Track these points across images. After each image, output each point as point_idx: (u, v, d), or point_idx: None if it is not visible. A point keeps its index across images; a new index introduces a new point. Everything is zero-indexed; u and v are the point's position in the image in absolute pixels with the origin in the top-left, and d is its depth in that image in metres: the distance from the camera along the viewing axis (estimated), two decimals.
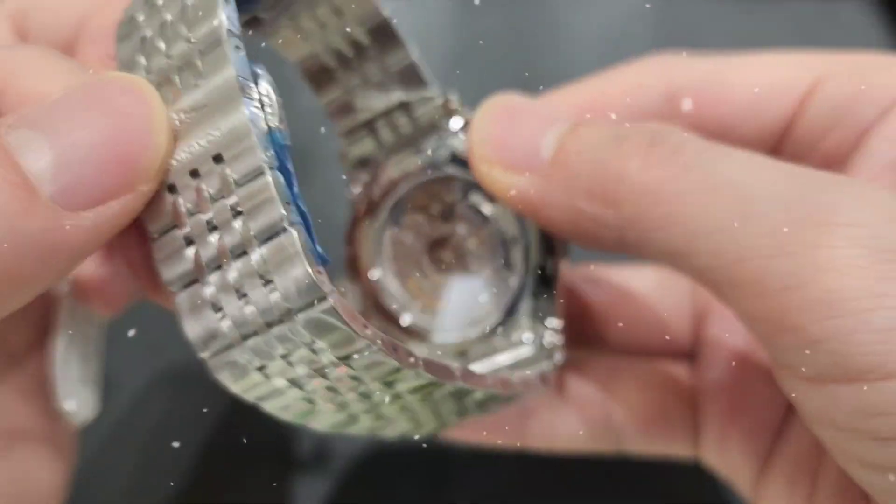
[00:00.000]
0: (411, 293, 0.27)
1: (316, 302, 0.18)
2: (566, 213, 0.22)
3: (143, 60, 0.20)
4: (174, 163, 0.19)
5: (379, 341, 0.19)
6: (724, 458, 0.28)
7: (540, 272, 0.26)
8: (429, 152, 0.27)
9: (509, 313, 0.27)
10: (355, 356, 0.19)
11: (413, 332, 0.27)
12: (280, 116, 0.19)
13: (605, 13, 0.56)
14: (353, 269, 0.28)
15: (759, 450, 0.26)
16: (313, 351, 0.19)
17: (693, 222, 0.20)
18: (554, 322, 0.26)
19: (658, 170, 0.21)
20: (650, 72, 0.27)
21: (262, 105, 0.19)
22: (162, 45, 0.19)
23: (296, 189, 0.19)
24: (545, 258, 0.26)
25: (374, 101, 0.27)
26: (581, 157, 0.22)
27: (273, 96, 0.19)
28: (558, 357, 0.26)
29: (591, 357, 0.30)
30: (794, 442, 0.25)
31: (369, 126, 0.28)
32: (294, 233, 0.18)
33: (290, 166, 0.19)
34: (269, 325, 0.18)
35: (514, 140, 0.24)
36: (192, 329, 0.19)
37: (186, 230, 0.19)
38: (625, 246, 0.22)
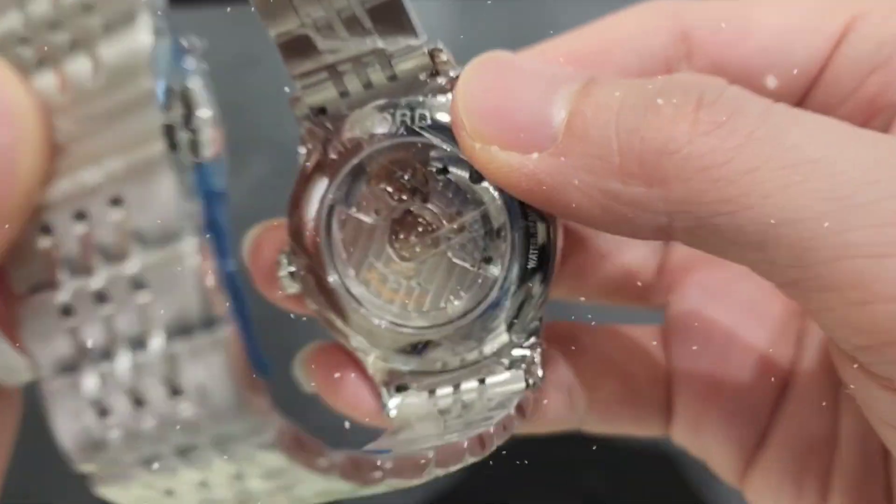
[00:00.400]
0: (363, 279, 0.23)
1: (251, 434, 0.13)
2: (593, 197, 0.18)
3: (19, 27, 0.14)
4: (54, 193, 0.13)
5: (337, 471, 0.15)
6: (700, 443, 0.26)
7: (527, 271, 0.22)
8: (404, 112, 0.22)
9: (483, 317, 0.22)
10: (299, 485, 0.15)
11: (358, 324, 0.23)
12: (212, 139, 0.14)
13: (604, 13, 0.56)
14: (297, 240, 0.22)
15: (743, 439, 0.25)
16: (238, 477, 0.14)
17: (773, 207, 0.16)
18: (534, 338, 0.22)
19: (716, 139, 0.17)
20: (658, 13, 0.23)
21: (188, 121, 0.14)
22: (48, 8, 0.14)
23: (230, 263, 0.14)
24: (535, 256, 0.22)
25: (343, 43, 0.21)
26: (606, 124, 0.18)
27: (206, 108, 0.14)
28: (537, 379, 0.22)
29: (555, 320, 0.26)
30: (786, 434, 0.24)
31: (332, 71, 0.22)
32: (222, 331, 0.13)
33: (224, 219, 0.14)
34: (181, 451, 0.13)
35: (515, 110, 0.19)
36: (67, 430, 0.14)
37: (64, 296, 0.13)
38: (672, 233, 0.18)
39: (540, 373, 0.22)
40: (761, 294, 0.26)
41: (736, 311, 0.26)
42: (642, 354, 0.27)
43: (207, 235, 0.13)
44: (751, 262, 0.18)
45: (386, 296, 0.23)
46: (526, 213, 0.21)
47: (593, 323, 0.27)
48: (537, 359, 0.22)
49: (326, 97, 0.22)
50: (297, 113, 0.23)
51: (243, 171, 0.47)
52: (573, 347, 0.26)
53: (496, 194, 0.21)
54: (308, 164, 0.22)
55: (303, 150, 0.23)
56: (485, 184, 0.21)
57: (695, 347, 0.25)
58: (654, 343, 0.27)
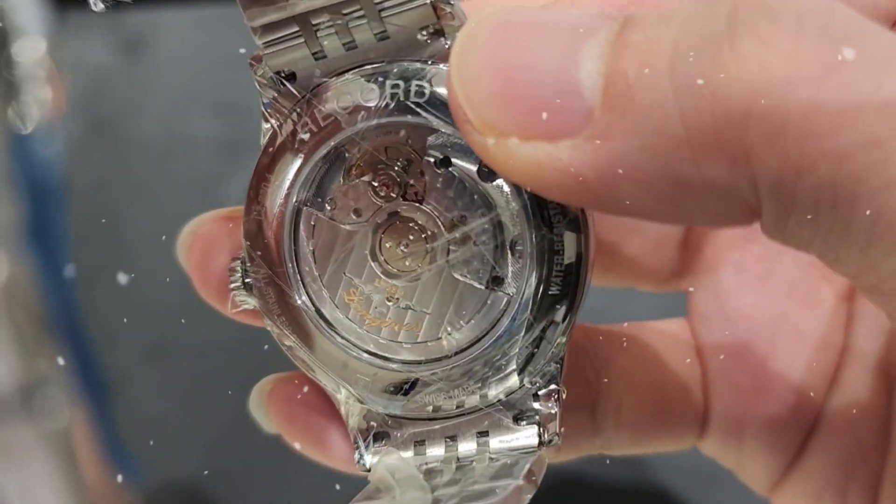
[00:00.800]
0: (341, 301, 0.18)
1: None
2: (658, 189, 0.13)
3: None
4: None
5: None
6: (737, 452, 0.22)
7: (549, 297, 0.17)
8: (396, 83, 0.16)
9: (489, 353, 0.17)
10: None
11: (329, 354, 0.18)
12: (47, 99, 0.10)
13: None
14: (255, 246, 0.18)
15: (785, 445, 0.21)
16: None
17: None
18: (553, 385, 0.18)
19: (837, 83, 0.11)
20: None
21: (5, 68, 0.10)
22: None
23: (68, 270, 0.11)
24: (559, 279, 0.17)
25: None
26: (657, 83, 0.13)
27: (34, 40, 0.10)
28: (553, 437, 0.17)
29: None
30: (832, 438, 0.21)
31: (305, 23, 0.17)
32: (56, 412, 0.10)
33: (60, 217, 0.11)
34: None
35: (532, 84, 0.14)
36: None
37: None
38: (769, 227, 0.13)
39: (558, 428, 0.17)
40: (805, 274, 0.22)
41: (779, 295, 0.22)
42: (673, 357, 0.22)
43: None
44: (840, 262, 0.13)
45: (369, 322, 0.18)
46: (551, 221, 0.16)
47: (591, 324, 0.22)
48: (555, 410, 0.17)
49: (296, 59, 0.17)
50: (258, 78, 0.18)
51: (242, 173, 0.47)
52: (594, 357, 0.21)
53: (511, 195, 0.17)
54: (271, 147, 0.17)
55: (266, 127, 0.18)
56: (498, 181, 0.17)
57: (733, 339, 0.22)
58: (685, 339, 0.23)
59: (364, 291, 0.18)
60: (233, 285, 0.18)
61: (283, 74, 0.17)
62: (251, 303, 0.18)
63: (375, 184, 0.18)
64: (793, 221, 0.13)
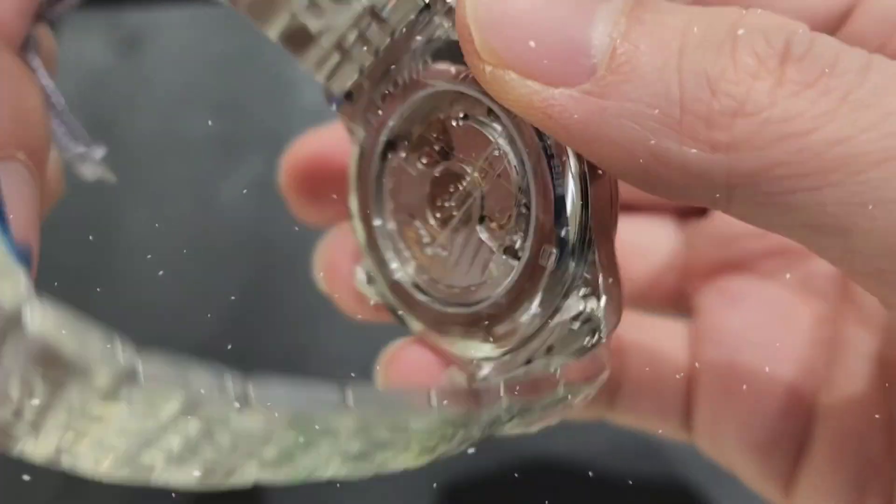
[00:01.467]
0: (412, 250, 0.21)
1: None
2: (636, 154, 0.14)
3: None
4: None
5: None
6: (719, 449, 0.24)
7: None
8: (412, 64, 0.19)
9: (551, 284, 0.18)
10: None
11: (409, 296, 0.21)
12: None
13: None
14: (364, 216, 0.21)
15: (765, 441, 0.23)
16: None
17: (866, 185, 0.13)
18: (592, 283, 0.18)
19: (804, 101, 0.14)
20: None
21: None
22: None
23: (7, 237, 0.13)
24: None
25: (333, 16, 0.19)
26: (665, 65, 0.14)
27: None
28: (607, 321, 0.18)
29: None
30: (827, 464, 0.22)
31: (341, 50, 0.20)
32: None
33: None
34: None
35: (541, 26, 0.15)
36: None
37: None
38: (727, 207, 0.15)
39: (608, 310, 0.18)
40: (785, 296, 0.25)
41: (759, 315, 0.24)
42: (669, 343, 0.25)
43: None
44: (823, 248, 0.15)
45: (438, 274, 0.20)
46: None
47: None
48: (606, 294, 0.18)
49: (349, 78, 0.20)
50: (337, 110, 0.21)
51: (239, 171, 0.47)
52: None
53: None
54: (363, 144, 0.21)
55: (354, 146, 0.21)
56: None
57: (716, 352, 0.24)
58: (681, 338, 0.25)
59: (420, 233, 0.20)
60: (358, 284, 0.21)
61: (346, 95, 0.21)
62: (374, 293, 0.21)
63: (425, 148, 0.20)
64: (770, 210, 0.14)
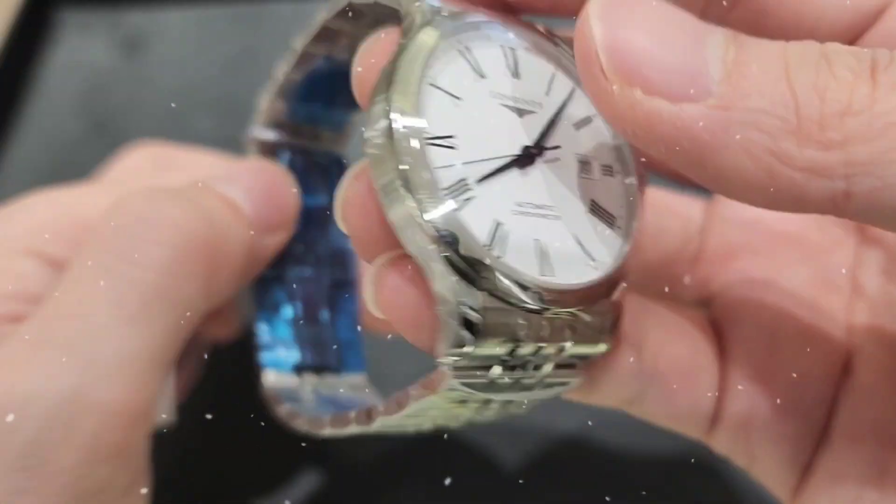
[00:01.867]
0: None
1: None
2: (760, 159, 0.16)
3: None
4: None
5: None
6: (745, 441, 0.24)
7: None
8: None
9: None
10: None
11: None
12: None
13: None
14: None
15: (799, 436, 0.23)
16: None
17: None
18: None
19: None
20: None
21: None
22: None
23: None
24: None
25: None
26: (777, 79, 0.16)
27: None
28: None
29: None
30: (841, 449, 0.22)
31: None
32: None
33: None
34: None
35: (666, 49, 0.17)
36: None
37: None
38: (846, 204, 0.16)
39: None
40: (808, 285, 0.25)
41: (783, 301, 0.25)
42: (696, 334, 0.25)
43: None
44: None
45: None
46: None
47: None
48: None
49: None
50: None
51: None
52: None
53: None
54: None
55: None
56: None
57: (740, 340, 0.25)
58: (706, 329, 0.26)
59: None
60: None
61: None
62: None
63: None
64: (882, 197, 0.16)
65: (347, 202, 0.20)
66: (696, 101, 0.16)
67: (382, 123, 0.19)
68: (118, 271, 0.24)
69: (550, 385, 0.21)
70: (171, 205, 0.25)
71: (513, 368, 0.20)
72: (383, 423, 0.23)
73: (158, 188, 0.26)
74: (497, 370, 0.20)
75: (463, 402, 0.21)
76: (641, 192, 0.22)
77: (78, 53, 0.55)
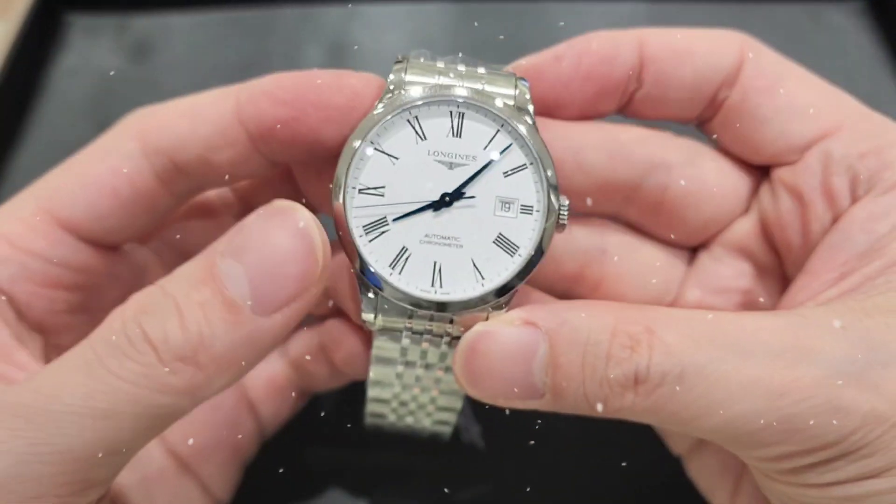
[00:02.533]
0: None
1: None
2: (582, 409, 0.27)
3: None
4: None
5: None
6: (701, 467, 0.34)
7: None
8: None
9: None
10: None
11: None
12: None
13: (599, 21, 0.57)
14: None
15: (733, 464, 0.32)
16: None
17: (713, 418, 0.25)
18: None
19: (647, 400, 0.26)
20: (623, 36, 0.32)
21: None
22: None
23: None
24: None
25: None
26: (578, 390, 0.26)
27: None
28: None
29: None
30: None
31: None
32: None
33: None
34: None
35: (507, 383, 0.27)
36: None
37: None
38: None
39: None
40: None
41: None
42: None
43: None
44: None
45: None
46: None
47: None
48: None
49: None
50: None
51: None
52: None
53: None
54: None
55: None
56: None
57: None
58: None
59: None
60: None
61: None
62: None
63: None
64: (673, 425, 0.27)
65: None
66: (535, 398, 0.27)
67: (338, 174, 0.28)
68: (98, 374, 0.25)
69: (452, 339, 0.29)
70: (163, 318, 0.25)
71: (420, 334, 0.29)
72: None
73: (154, 297, 0.26)
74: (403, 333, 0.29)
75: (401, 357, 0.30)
76: (557, 230, 0.28)
77: (86, 57, 0.56)
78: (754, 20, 0.57)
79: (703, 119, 0.32)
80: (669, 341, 0.25)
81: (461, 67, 0.28)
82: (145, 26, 0.57)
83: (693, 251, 0.34)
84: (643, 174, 0.31)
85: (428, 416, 0.34)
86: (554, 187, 0.28)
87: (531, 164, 0.28)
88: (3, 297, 0.29)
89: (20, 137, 0.52)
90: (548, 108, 0.31)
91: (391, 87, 0.28)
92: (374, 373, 0.31)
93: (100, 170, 0.29)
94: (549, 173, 0.27)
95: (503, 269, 0.28)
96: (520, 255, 0.28)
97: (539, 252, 0.28)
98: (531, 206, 0.28)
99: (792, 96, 0.30)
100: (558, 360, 0.26)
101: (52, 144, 0.51)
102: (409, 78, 0.28)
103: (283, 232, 0.25)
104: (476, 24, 0.51)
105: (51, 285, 0.30)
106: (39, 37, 0.55)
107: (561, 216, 0.28)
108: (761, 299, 0.32)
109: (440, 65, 0.29)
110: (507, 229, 0.28)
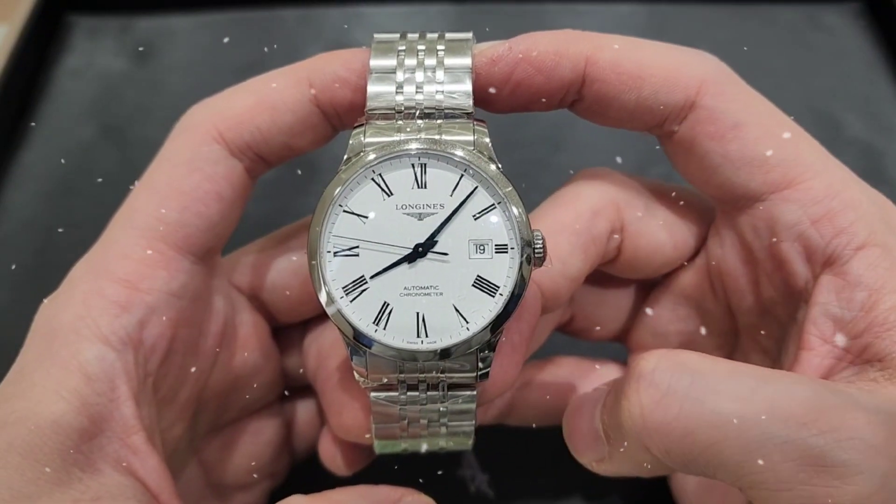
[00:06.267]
0: None
1: None
2: (635, 469, 0.28)
3: None
4: None
5: None
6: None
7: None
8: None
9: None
10: None
11: None
12: None
13: (597, 22, 0.57)
14: None
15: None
16: None
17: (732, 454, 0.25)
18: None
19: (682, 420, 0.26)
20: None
21: None
22: None
23: None
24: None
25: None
26: (632, 455, 0.28)
27: None
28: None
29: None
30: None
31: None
32: None
33: None
34: None
35: (590, 440, 0.29)
36: None
37: None
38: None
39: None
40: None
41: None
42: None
43: None
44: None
45: None
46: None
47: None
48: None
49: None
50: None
51: None
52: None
53: None
54: None
55: None
56: None
57: None
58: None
59: None
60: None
61: None
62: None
63: None
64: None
65: None
66: (598, 456, 0.29)
67: (311, 240, 0.28)
68: None
69: (455, 397, 0.30)
70: None
71: (413, 388, 0.30)
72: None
73: None
74: (398, 387, 0.30)
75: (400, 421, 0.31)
76: (535, 264, 0.28)
77: (89, 58, 0.56)
78: (752, 21, 0.57)
79: (656, 135, 0.32)
80: None
81: (420, 122, 0.29)
82: (148, 28, 0.57)
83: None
84: (605, 243, 0.32)
85: (442, 426, 0.33)
86: (525, 223, 0.28)
87: (499, 203, 0.28)
88: (149, 379, 0.29)
89: (23, 139, 0.52)
90: (483, 101, 0.30)
91: (352, 152, 0.28)
92: (376, 433, 0.32)
93: (196, 181, 0.30)
94: (517, 211, 0.28)
95: (486, 310, 0.28)
96: (501, 294, 0.28)
97: (521, 288, 0.28)
98: (505, 245, 0.28)
99: (743, 146, 0.29)
100: (610, 408, 0.28)
101: (55, 146, 0.52)
102: (367, 140, 0.29)
103: None
104: (475, 24, 0.52)
105: (184, 323, 0.30)
106: (42, 38, 0.56)
107: (536, 250, 0.28)
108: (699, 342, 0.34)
109: (399, 122, 0.29)
110: (484, 271, 0.28)
